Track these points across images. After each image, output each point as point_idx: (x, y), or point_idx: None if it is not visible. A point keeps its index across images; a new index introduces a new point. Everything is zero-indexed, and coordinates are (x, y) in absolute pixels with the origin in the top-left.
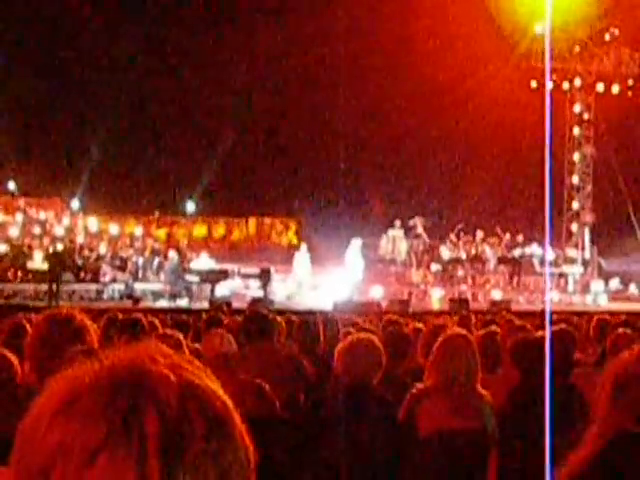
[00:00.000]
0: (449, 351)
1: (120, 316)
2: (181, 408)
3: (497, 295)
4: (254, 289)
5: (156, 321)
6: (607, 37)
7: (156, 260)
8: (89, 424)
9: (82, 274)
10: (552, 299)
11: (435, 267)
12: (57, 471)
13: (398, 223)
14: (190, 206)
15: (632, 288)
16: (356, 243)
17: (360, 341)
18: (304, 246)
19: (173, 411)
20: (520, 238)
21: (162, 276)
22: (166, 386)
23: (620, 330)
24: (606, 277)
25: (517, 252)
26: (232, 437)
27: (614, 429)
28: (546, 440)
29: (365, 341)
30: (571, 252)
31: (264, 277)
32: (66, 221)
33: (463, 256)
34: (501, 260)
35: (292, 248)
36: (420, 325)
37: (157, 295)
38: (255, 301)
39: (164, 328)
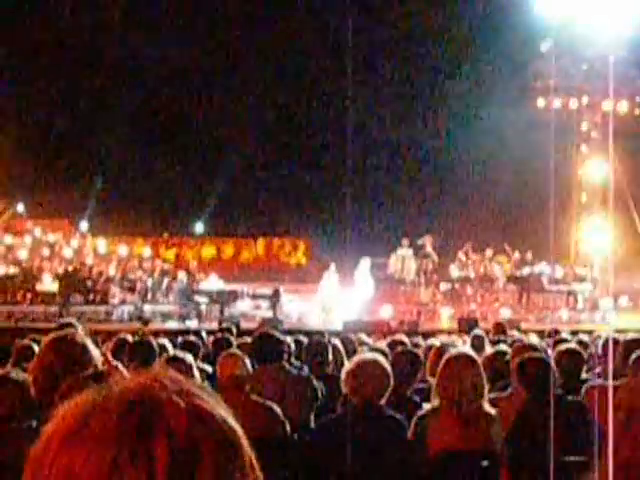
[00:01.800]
0: (453, 371)
1: (130, 338)
2: (190, 436)
3: (506, 314)
4: (264, 310)
5: (166, 343)
6: (613, 54)
7: (165, 281)
8: (97, 450)
9: (91, 296)
10: (561, 317)
11: (444, 286)
12: None
13: (407, 242)
14: (199, 227)
15: None
16: (365, 263)
17: (368, 361)
18: (333, 265)
19: (182, 439)
20: (529, 256)
21: (171, 297)
22: (175, 413)
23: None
24: (615, 295)
25: (526, 270)
26: (241, 465)
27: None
28: (551, 458)
29: (372, 361)
30: (580, 270)
31: (274, 298)
32: (75, 243)
33: (472, 275)
34: (510, 279)
35: (301, 268)
36: (430, 343)
37: (166, 316)
38: (265, 322)
39: (174, 350)
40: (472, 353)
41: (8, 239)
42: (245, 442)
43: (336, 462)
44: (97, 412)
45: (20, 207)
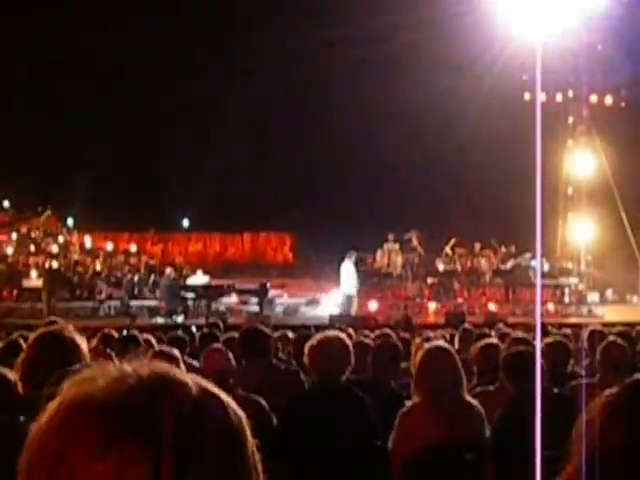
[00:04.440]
0: (430, 364)
1: (115, 333)
2: (197, 410)
3: (493, 308)
4: (250, 305)
5: (151, 338)
6: (599, 47)
7: (152, 277)
8: (104, 417)
9: (77, 291)
10: (548, 310)
11: (431, 280)
12: (67, 464)
13: (393, 237)
14: (185, 222)
15: (627, 298)
16: (350, 257)
17: (328, 338)
18: (354, 253)
19: (189, 412)
20: (515, 250)
21: (158, 293)
22: (184, 389)
23: (611, 338)
24: (602, 288)
25: (510, 263)
26: (245, 446)
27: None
28: (537, 453)
29: (333, 338)
30: (567, 263)
31: (261, 293)
32: (61, 239)
33: (459, 269)
34: (497, 272)
35: (287, 263)
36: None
37: (153, 312)
38: (251, 317)
39: (160, 345)
40: (447, 345)
41: None
42: (247, 427)
43: (300, 440)
44: (106, 384)
45: (5, 203)
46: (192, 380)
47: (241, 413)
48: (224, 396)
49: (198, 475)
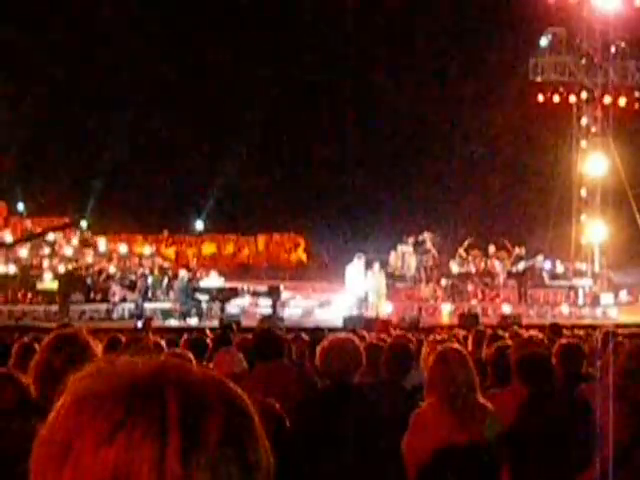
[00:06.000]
0: (444, 367)
1: (123, 337)
2: (202, 394)
3: (507, 309)
4: (264, 307)
5: (161, 341)
6: (612, 49)
7: (166, 279)
8: (108, 404)
9: (92, 294)
10: (562, 312)
11: (445, 282)
12: (73, 454)
13: (408, 239)
14: (199, 224)
15: None
16: (359, 259)
17: (340, 341)
18: (362, 255)
19: (194, 396)
20: (530, 252)
21: (172, 295)
22: (188, 375)
23: (619, 339)
24: (616, 290)
25: (521, 265)
26: (252, 432)
27: None
28: (552, 453)
29: (344, 341)
30: (580, 265)
31: (274, 295)
32: (75, 241)
33: (472, 271)
34: (510, 274)
35: (301, 265)
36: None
37: (167, 314)
38: (265, 319)
39: (173, 347)
40: (461, 347)
41: (8, 237)
42: (256, 414)
43: (313, 442)
44: (110, 375)
45: (20, 206)
46: (197, 368)
47: (247, 399)
48: (230, 382)
49: (204, 457)
